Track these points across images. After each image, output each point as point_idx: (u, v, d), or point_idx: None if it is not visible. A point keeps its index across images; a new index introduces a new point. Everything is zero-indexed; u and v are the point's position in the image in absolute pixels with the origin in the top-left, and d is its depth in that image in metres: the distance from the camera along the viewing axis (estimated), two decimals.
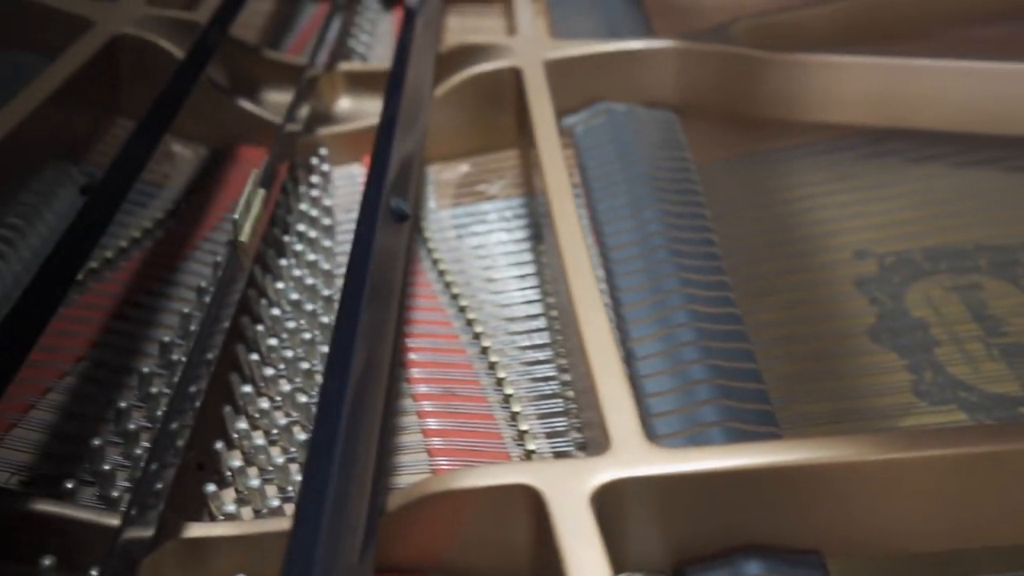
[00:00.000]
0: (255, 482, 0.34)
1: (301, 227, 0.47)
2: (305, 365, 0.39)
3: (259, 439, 0.36)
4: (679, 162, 0.48)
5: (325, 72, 0.55)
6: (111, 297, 0.42)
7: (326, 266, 0.44)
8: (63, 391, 0.37)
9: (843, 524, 0.31)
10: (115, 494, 0.33)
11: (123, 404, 0.36)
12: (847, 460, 0.30)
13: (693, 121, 0.51)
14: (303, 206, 0.48)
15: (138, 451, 0.35)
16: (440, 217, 0.49)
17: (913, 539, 0.31)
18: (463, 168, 0.52)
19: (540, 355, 0.40)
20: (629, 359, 0.36)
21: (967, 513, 0.31)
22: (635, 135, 0.49)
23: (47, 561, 0.29)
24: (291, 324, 0.41)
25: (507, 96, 0.51)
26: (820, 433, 0.36)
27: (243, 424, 0.36)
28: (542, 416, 0.37)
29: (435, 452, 0.36)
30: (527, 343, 0.40)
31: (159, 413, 0.36)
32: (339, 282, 0.44)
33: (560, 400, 0.38)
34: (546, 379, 0.39)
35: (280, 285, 0.43)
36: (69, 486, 0.32)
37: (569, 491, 0.29)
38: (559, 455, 0.36)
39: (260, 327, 0.40)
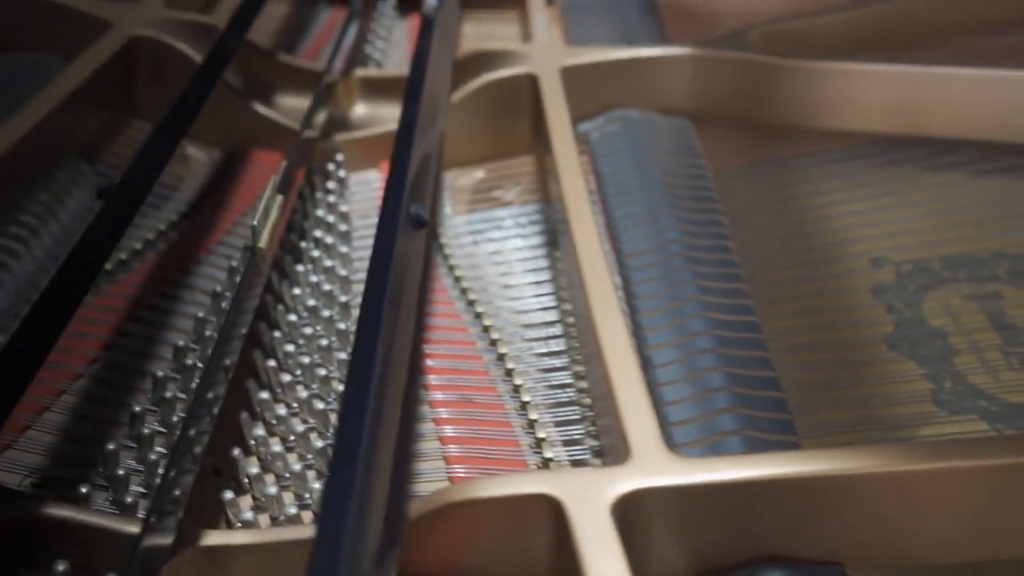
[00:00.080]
0: (272, 489, 0.34)
1: (318, 233, 0.47)
2: (322, 371, 0.39)
3: (276, 446, 0.36)
4: (694, 169, 0.48)
5: (341, 78, 0.55)
6: (125, 299, 0.42)
7: (343, 272, 0.44)
8: (77, 393, 0.37)
9: (866, 535, 0.31)
10: (129, 499, 0.33)
11: (137, 408, 0.36)
12: (870, 471, 0.29)
13: (708, 128, 0.51)
14: (320, 212, 0.48)
15: (152, 456, 0.35)
16: (456, 223, 0.49)
17: (936, 550, 0.31)
18: (479, 174, 0.52)
19: (556, 362, 0.40)
20: (646, 367, 0.36)
21: (990, 524, 0.31)
22: (650, 142, 0.49)
23: (61, 566, 0.29)
24: (308, 330, 0.41)
25: (523, 102, 0.51)
26: (838, 442, 0.35)
27: (260, 430, 0.36)
28: (559, 424, 0.37)
29: (452, 460, 0.36)
30: (543, 350, 0.40)
31: (173, 418, 0.36)
32: (356, 288, 0.44)
33: (577, 407, 0.37)
34: (562, 386, 0.39)
35: (297, 291, 0.43)
36: (83, 490, 0.32)
37: (590, 501, 0.29)
38: (576, 463, 0.36)
39: (277, 333, 0.40)
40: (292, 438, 0.37)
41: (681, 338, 0.37)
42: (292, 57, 0.59)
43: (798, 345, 0.39)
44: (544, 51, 0.53)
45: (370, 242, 0.48)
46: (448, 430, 0.37)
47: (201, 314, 0.41)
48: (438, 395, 0.38)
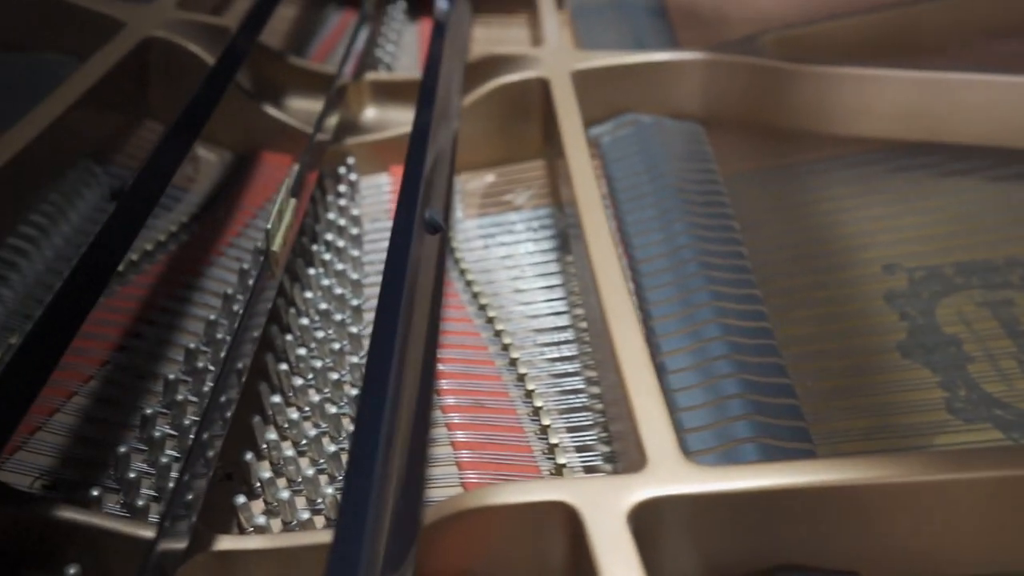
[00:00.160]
0: (285, 493, 0.34)
1: (329, 236, 0.47)
2: (334, 375, 0.39)
3: (288, 450, 0.36)
4: (706, 174, 0.47)
5: (352, 81, 0.55)
6: (136, 301, 0.42)
7: (354, 275, 0.44)
8: (88, 395, 0.37)
9: (883, 545, 0.30)
10: (140, 503, 0.33)
11: (148, 410, 0.36)
12: (888, 481, 0.29)
13: (720, 133, 0.50)
14: (331, 215, 0.48)
15: (163, 459, 0.34)
16: (467, 227, 0.49)
17: (954, 562, 0.31)
18: (489, 178, 0.52)
19: (569, 367, 0.39)
20: (660, 373, 0.36)
21: (1010, 537, 0.30)
22: (662, 146, 0.49)
23: (72, 570, 0.29)
24: (320, 334, 0.41)
25: (534, 106, 0.51)
26: (852, 450, 0.35)
27: (272, 434, 0.36)
28: (572, 429, 0.37)
29: (464, 465, 0.35)
30: (555, 355, 0.40)
31: (185, 421, 0.36)
32: (368, 292, 0.44)
33: (589, 413, 0.37)
34: (575, 391, 0.38)
35: (308, 294, 0.43)
36: (95, 493, 0.32)
37: (606, 508, 0.28)
38: (589, 469, 0.35)
39: (289, 336, 0.40)
40: (304, 442, 0.37)
41: (694, 344, 0.37)
42: (303, 60, 0.59)
43: (810, 352, 0.39)
44: (555, 55, 0.53)
45: (381, 246, 0.48)
46: (460, 435, 0.37)
47: (212, 316, 0.41)
48: (450, 400, 0.38)
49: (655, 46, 0.56)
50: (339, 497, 0.33)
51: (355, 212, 0.49)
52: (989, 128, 0.48)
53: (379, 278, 0.41)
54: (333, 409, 0.37)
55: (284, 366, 0.39)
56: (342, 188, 0.50)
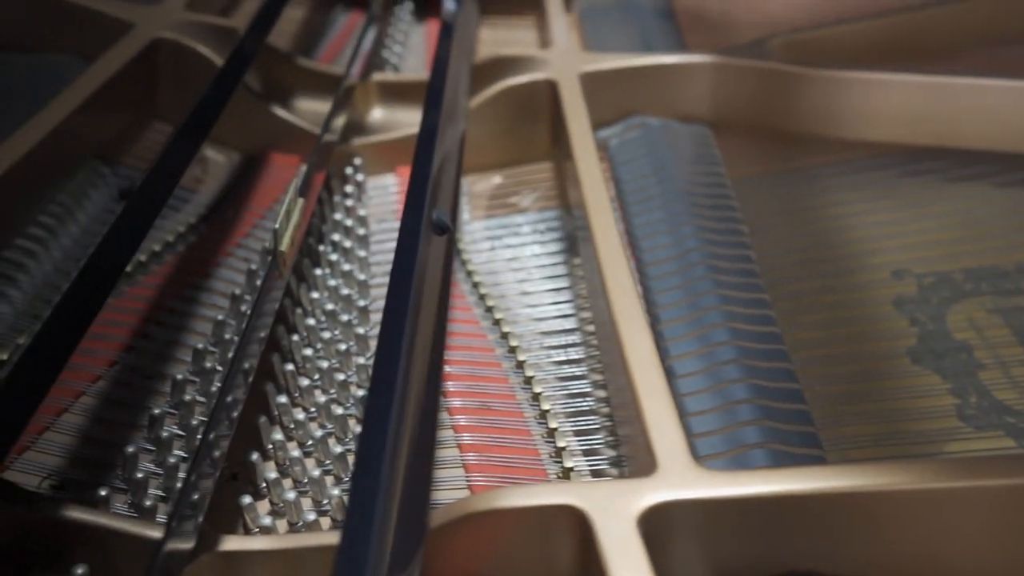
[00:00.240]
0: (290, 494, 0.34)
1: (336, 237, 0.47)
2: (340, 376, 0.39)
3: (294, 450, 0.36)
4: (714, 177, 0.47)
5: (359, 82, 0.55)
6: (144, 301, 0.42)
7: (361, 276, 0.44)
8: (95, 395, 0.37)
9: (895, 552, 0.30)
10: (148, 503, 0.33)
11: (156, 411, 0.36)
12: (900, 487, 0.29)
13: (728, 136, 0.50)
14: (338, 216, 0.48)
15: (171, 459, 0.34)
16: (473, 228, 0.49)
17: (964, 570, 0.31)
18: (496, 180, 0.52)
19: (576, 370, 0.39)
20: (668, 377, 0.36)
21: (1022, 545, 0.30)
22: (670, 149, 0.49)
23: (80, 570, 0.29)
24: (326, 334, 0.40)
25: (541, 108, 0.51)
26: (862, 457, 0.35)
27: (278, 435, 0.36)
28: (579, 433, 0.37)
29: (471, 468, 0.35)
30: (563, 358, 0.40)
31: (193, 421, 0.36)
32: (374, 292, 0.44)
33: (596, 416, 0.37)
34: (582, 395, 0.38)
35: (315, 295, 0.42)
36: (102, 493, 0.32)
37: (616, 513, 0.28)
38: (596, 473, 0.35)
39: (295, 337, 0.40)
40: (310, 443, 0.36)
41: (703, 348, 0.37)
42: (311, 61, 0.59)
43: (820, 357, 0.39)
44: (563, 57, 0.53)
45: (388, 246, 0.48)
46: (467, 437, 0.36)
47: (220, 317, 0.41)
48: (457, 402, 0.38)
49: (663, 49, 0.56)
50: (345, 498, 0.33)
51: (362, 213, 0.49)
52: (998, 133, 0.47)
53: (385, 279, 0.41)
54: (339, 410, 0.37)
55: (290, 366, 0.38)
56: (349, 189, 0.50)
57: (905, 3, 0.55)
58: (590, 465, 0.36)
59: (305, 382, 0.38)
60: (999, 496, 0.29)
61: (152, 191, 0.38)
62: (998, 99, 0.47)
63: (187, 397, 0.37)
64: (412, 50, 0.66)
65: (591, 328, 0.41)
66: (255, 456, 0.35)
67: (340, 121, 0.49)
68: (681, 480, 0.29)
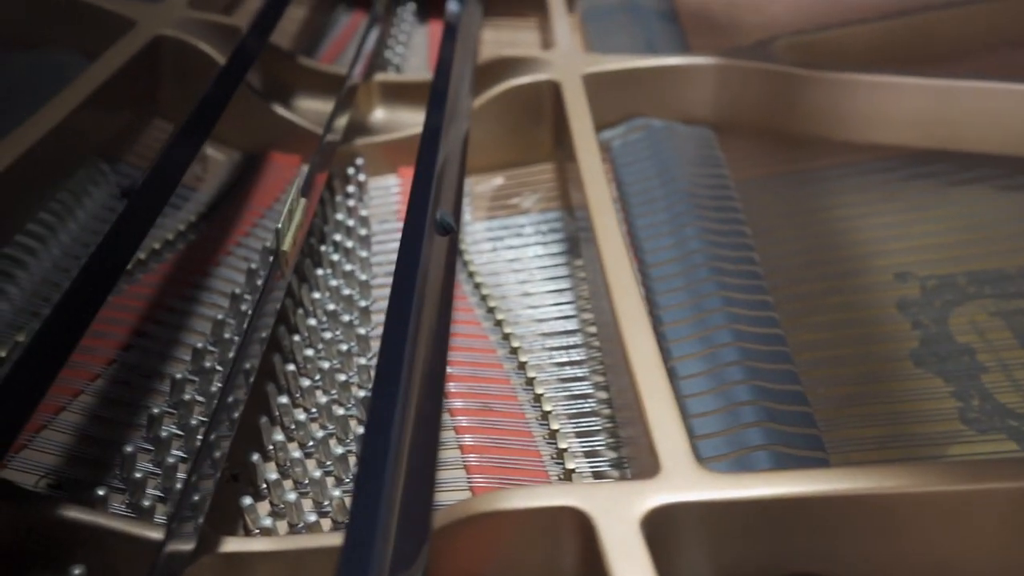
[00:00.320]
0: (291, 495, 0.33)
1: (337, 237, 0.46)
2: (341, 376, 0.38)
3: (295, 451, 0.35)
4: (718, 179, 0.47)
5: (361, 83, 0.55)
6: (143, 300, 0.41)
7: (363, 276, 0.44)
8: (94, 394, 0.36)
9: (897, 555, 0.30)
10: (146, 503, 0.32)
11: (155, 410, 0.36)
12: (905, 490, 0.29)
13: (731, 138, 0.50)
14: (340, 216, 0.48)
15: (170, 459, 0.34)
16: (475, 229, 0.49)
17: (968, 573, 0.30)
18: (498, 180, 0.52)
19: (578, 371, 0.39)
20: (671, 378, 0.35)
21: None
22: (673, 151, 0.49)
23: (77, 570, 0.29)
24: (327, 334, 0.40)
25: (544, 109, 0.51)
26: (864, 459, 0.35)
27: (279, 436, 0.36)
28: (581, 434, 0.36)
29: (473, 469, 0.35)
30: (564, 359, 0.40)
31: (192, 421, 0.36)
32: (376, 293, 0.44)
33: (598, 418, 0.37)
34: (584, 396, 0.38)
35: (316, 295, 0.42)
36: (100, 493, 0.32)
37: (619, 515, 0.28)
38: (597, 474, 0.35)
39: (296, 337, 0.40)
40: (311, 444, 0.36)
41: (706, 350, 0.37)
42: (313, 60, 0.59)
43: (823, 359, 0.39)
44: (566, 58, 0.52)
45: (389, 247, 0.48)
46: (468, 439, 0.36)
47: (220, 316, 0.40)
48: (458, 403, 0.38)
49: (666, 51, 0.56)
50: (346, 500, 0.33)
51: (364, 213, 0.49)
52: (1002, 136, 0.47)
53: (387, 279, 0.41)
54: (340, 411, 0.37)
55: (292, 367, 0.38)
56: (351, 189, 0.50)
57: (910, 6, 0.55)
58: (592, 467, 0.35)
59: (306, 383, 0.38)
60: (1002, 499, 0.29)
61: (153, 190, 0.38)
62: (1003, 102, 0.47)
63: (186, 396, 0.37)
64: (415, 51, 0.65)
65: (593, 329, 0.41)
66: (256, 457, 0.35)
67: (342, 121, 0.49)
68: (684, 482, 0.29)
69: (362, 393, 0.38)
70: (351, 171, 0.51)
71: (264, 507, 0.34)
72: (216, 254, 0.45)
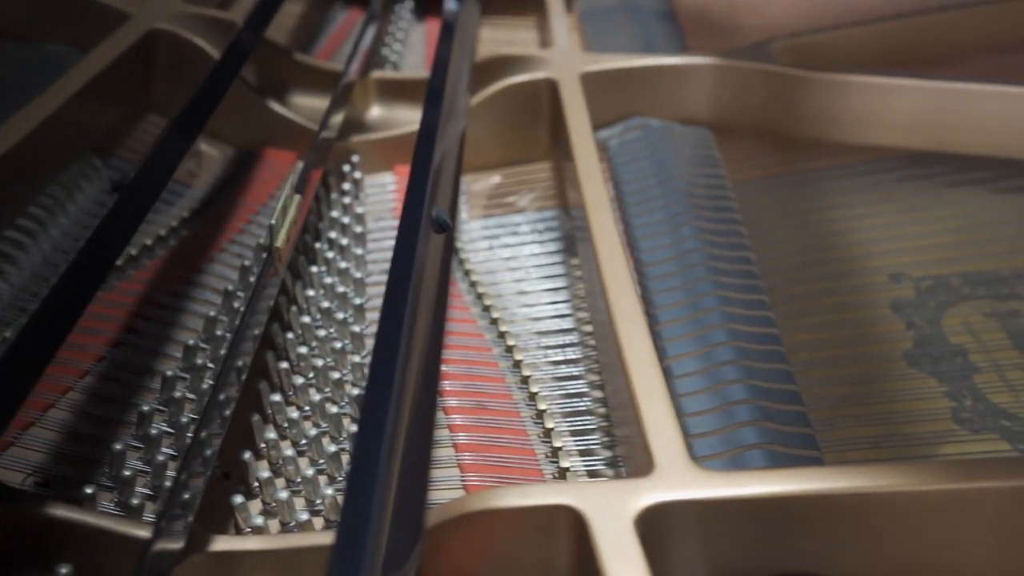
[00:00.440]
0: (283, 494, 0.33)
1: (332, 234, 0.46)
2: (335, 374, 0.38)
3: (287, 449, 0.35)
4: (715, 179, 0.47)
5: (358, 80, 0.55)
6: (134, 296, 0.41)
7: (357, 274, 0.44)
8: (83, 391, 0.36)
9: (890, 554, 0.30)
10: (135, 501, 0.32)
11: (145, 407, 0.35)
12: (898, 489, 0.29)
13: (728, 139, 0.50)
14: (335, 213, 0.48)
15: (159, 457, 0.34)
16: (471, 228, 0.48)
17: (962, 572, 0.30)
18: (495, 179, 0.52)
19: (573, 370, 0.39)
20: (667, 377, 0.35)
21: (1021, 548, 0.30)
22: (671, 151, 0.49)
23: (64, 569, 0.28)
24: (321, 332, 0.40)
25: (541, 108, 0.51)
26: (858, 459, 0.35)
27: (271, 434, 0.35)
28: (575, 433, 0.36)
29: (467, 468, 0.35)
30: (560, 358, 0.40)
31: (182, 418, 0.35)
32: (371, 291, 0.43)
33: (593, 417, 0.37)
34: (579, 395, 0.38)
35: (311, 292, 0.42)
36: (88, 491, 0.32)
37: (613, 513, 0.28)
38: (592, 473, 0.35)
39: (290, 334, 0.39)
40: (304, 442, 0.36)
41: (702, 349, 0.37)
42: (309, 57, 0.59)
43: (817, 359, 0.39)
44: (564, 56, 0.52)
45: (385, 244, 0.48)
46: (463, 437, 0.36)
47: (212, 313, 0.40)
48: (453, 401, 0.38)
49: (665, 51, 0.56)
50: (339, 498, 0.33)
51: (359, 210, 0.49)
52: (998, 139, 0.48)
53: (381, 277, 0.41)
54: (334, 409, 0.37)
55: (284, 364, 0.38)
56: (346, 186, 0.50)
57: (908, 9, 0.56)
58: (586, 465, 0.35)
59: (299, 380, 0.38)
60: (995, 498, 0.29)
61: (145, 184, 0.38)
62: (999, 105, 0.48)
63: (177, 394, 0.36)
64: (412, 48, 0.65)
65: (588, 328, 0.41)
66: (247, 455, 0.34)
67: (338, 118, 0.49)
68: (678, 480, 0.29)
69: (356, 391, 0.38)
70: (347, 168, 0.51)
71: (256, 505, 0.34)
72: (210, 250, 0.45)
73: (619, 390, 0.34)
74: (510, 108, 0.51)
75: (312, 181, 0.43)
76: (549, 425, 0.36)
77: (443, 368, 0.39)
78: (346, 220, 0.47)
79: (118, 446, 0.33)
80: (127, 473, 0.33)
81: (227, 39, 0.49)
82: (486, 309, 0.43)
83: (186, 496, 0.30)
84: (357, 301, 0.42)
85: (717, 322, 0.38)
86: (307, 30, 0.64)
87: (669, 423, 0.31)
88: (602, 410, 0.37)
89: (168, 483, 0.32)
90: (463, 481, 0.34)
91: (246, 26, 0.50)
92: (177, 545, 0.29)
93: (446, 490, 0.34)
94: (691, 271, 0.41)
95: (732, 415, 0.34)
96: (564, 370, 0.39)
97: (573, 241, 0.46)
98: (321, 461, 0.35)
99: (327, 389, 0.38)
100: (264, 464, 0.35)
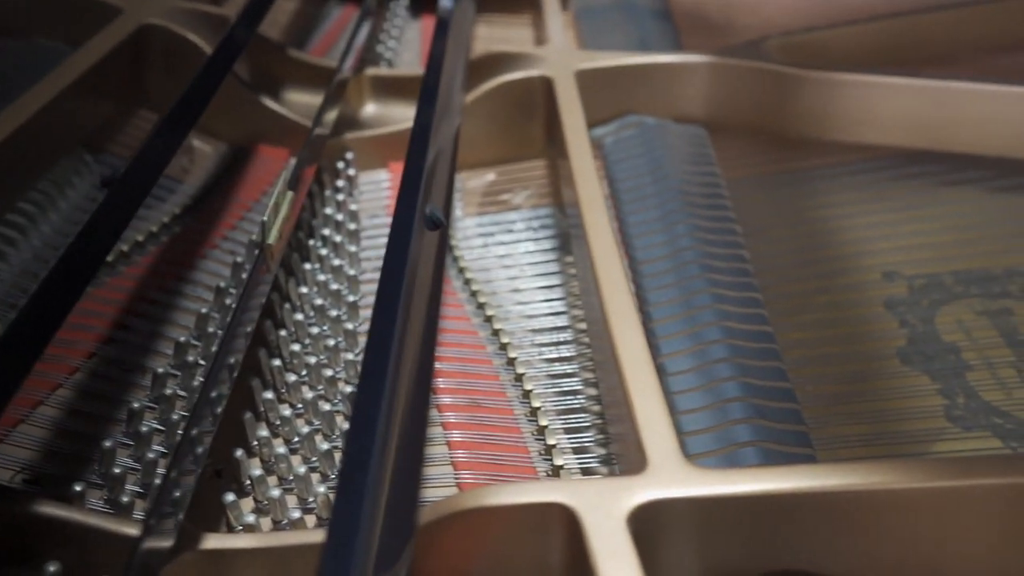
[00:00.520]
0: (275, 492, 0.33)
1: (326, 231, 0.46)
2: (328, 372, 0.38)
3: (280, 447, 0.35)
4: (709, 177, 0.47)
5: (352, 76, 0.55)
6: (125, 292, 0.41)
7: (351, 271, 0.44)
8: (73, 387, 0.36)
9: (884, 551, 0.30)
10: (125, 499, 0.32)
11: (135, 404, 0.35)
12: (891, 486, 0.29)
13: (723, 137, 0.50)
14: (328, 210, 0.47)
15: (150, 455, 0.34)
16: (466, 225, 0.48)
17: (955, 569, 0.31)
18: (489, 176, 0.52)
19: (567, 368, 0.39)
20: (660, 375, 0.35)
21: (1014, 545, 0.30)
22: (665, 149, 0.49)
23: (52, 567, 0.28)
24: (314, 329, 0.40)
25: (536, 105, 0.51)
26: (851, 456, 0.35)
27: (263, 431, 0.35)
28: (569, 430, 0.36)
29: (460, 465, 0.35)
30: (554, 355, 0.40)
31: (173, 416, 0.35)
32: (364, 288, 0.43)
33: (587, 414, 0.37)
34: (573, 392, 0.38)
35: (304, 289, 0.42)
36: (78, 488, 0.31)
37: (606, 511, 0.28)
38: (585, 471, 0.35)
39: (283, 332, 0.39)
40: (296, 439, 0.36)
41: (695, 346, 0.37)
42: (303, 53, 0.59)
43: (811, 357, 0.39)
44: (559, 54, 0.52)
45: (378, 242, 0.47)
46: (456, 435, 0.36)
47: (204, 310, 0.40)
48: (446, 399, 0.37)
49: (660, 49, 0.56)
50: (331, 496, 0.33)
51: (353, 207, 0.48)
52: (992, 138, 0.48)
53: (375, 274, 0.40)
54: (326, 406, 0.37)
55: (277, 361, 0.38)
56: (340, 183, 0.50)
57: (901, 9, 0.56)
58: (580, 463, 0.35)
59: (292, 378, 0.38)
60: (987, 495, 0.29)
61: (136, 180, 0.37)
62: (994, 104, 0.48)
63: (168, 391, 0.36)
64: (407, 46, 0.65)
65: (582, 326, 0.41)
66: (239, 453, 0.34)
67: (332, 115, 0.49)
68: (671, 478, 0.29)
69: (348, 389, 0.38)
70: (341, 165, 0.51)
71: (248, 503, 0.33)
72: (202, 247, 0.45)
73: (612, 388, 0.34)
74: (505, 105, 0.51)
75: (305, 178, 0.43)
76: (543, 423, 0.36)
77: (437, 365, 0.38)
78: (340, 217, 0.47)
79: (108, 443, 0.33)
80: (117, 470, 0.33)
81: (220, 35, 0.49)
82: (480, 306, 0.43)
83: (176, 494, 0.29)
84: (350, 298, 0.42)
85: (711, 320, 0.38)
86: (302, 26, 0.64)
87: (662, 421, 0.31)
88: (596, 408, 0.37)
89: (158, 481, 0.32)
90: (456, 479, 0.34)
91: (239, 22, 0.50)
92: (167, 543, 0.28)
93: (440, 487, 0.34)
94: (685, 269, 0.41)
95: (725, 413, 0.34)
96: (558, 368, 0.39)
97: (567, 239, 0.46)
98: (314, 459, 0.35)
99: (320, 386, 0.38)
100: (256, 462, 0.35)
